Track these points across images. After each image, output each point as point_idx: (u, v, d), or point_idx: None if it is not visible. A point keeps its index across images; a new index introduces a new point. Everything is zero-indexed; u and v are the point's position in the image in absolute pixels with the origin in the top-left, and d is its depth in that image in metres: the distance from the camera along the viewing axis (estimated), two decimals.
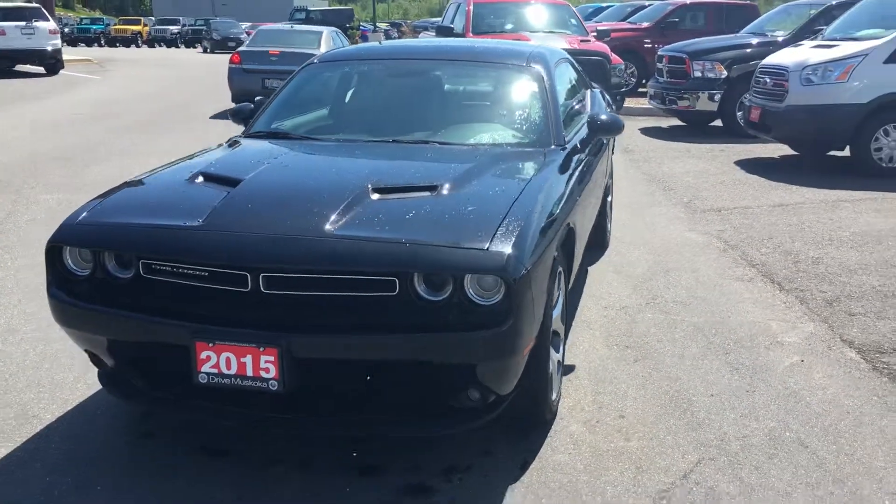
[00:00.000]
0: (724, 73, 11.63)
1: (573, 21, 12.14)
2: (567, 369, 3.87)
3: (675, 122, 12.99)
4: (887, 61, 8.33)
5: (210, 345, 2.77)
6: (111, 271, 3.02)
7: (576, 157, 4.00)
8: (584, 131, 4.39)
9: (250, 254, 2.78)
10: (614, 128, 4.28)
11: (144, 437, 3.33)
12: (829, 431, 3.37)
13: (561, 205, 3.39)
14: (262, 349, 2.73)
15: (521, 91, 4.29)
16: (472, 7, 11.65)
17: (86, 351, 3.23)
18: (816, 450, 3.22)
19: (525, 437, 3.30)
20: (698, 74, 11.79)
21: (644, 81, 15.78)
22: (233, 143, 4.06)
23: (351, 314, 2.78)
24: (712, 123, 12.32)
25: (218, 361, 2.78)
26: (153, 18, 58.66)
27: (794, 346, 4.24)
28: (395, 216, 2.97)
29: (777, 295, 5.02)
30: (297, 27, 17.59)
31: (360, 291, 2.77)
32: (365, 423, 2.91)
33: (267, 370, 2.75)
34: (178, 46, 50.12)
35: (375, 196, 3.10)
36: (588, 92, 5.34)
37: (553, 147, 3.91)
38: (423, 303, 2.77)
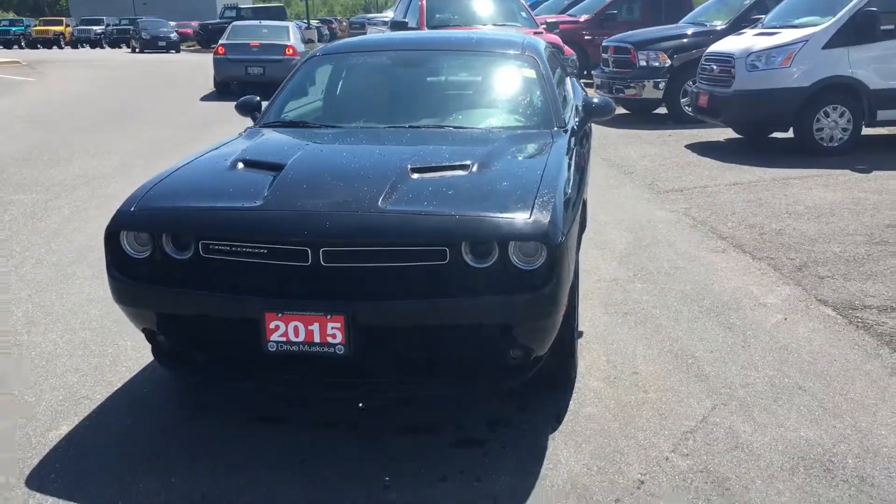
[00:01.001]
0: (668, 62, 12.14)
1: (523, 14, 12.51)
2: (577, 334, 4.17)
3: (621, 109, 13.43)
4: (825, 46, 8.89)
5: (279, 315, 2.98)
6: (169, 253, 3.19)
7: (576, 138, 4.30)
8: (576, 114, 4.70)
9: (312, 230, 3.00)
10: (607, 110, 4.60)
11: (199, 411, 3.52)
12: (822, 376, 3.75)
13: (574, 180, 3.69)
14: (329, 317, 2.96)
15: (523, 78, 4.58)
16: (425, 1, 11.91)
17: (143, 330, 3.39)
18: (815, 392, 3.60)
19: (553, 394, 3.60)
20: (643, 64, 12.27)
21: (585, 72, 16.25)
22: (253, 133, 4.25)
23: (405, 283, 3.02)
24: (656, 110, 12.82)
25: (286, 330, 2.99)
26: (73, 19, 57.08)
27: (775, 306, 4.64)
28: (438, 192, 3.22)
29: (751, 263, 5.43)
30: (266, 22, 19.38)
31: (414, 261, 3.01)
32: (424, 384, 3.17)
33: (334, 336, 2.98)
34: (102, 47, 49.00)
35: (416, 175, 3.35)
36: (568, 79, 5.66)
37: (556, 129, 4.21)
38: (470, 269, 3.01)
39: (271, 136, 4.19)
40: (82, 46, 48.52)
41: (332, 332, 2.97)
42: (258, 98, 4.81)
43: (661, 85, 12.15)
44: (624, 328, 4.36)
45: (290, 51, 16.99)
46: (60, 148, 10.53)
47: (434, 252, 3.00)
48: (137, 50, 39.65)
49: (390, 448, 3.20)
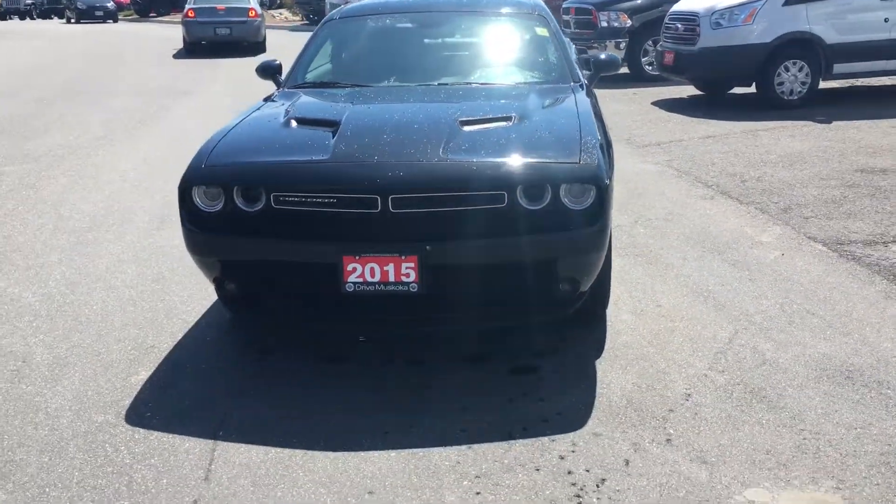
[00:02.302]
0: (629, 23, 12.51)
1: None
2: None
3: None
4: (786, 3, 9.34)
5: (356, 258, 3.24)
6: (240, 205, 3.41)
7: (589, 91, 4.60)
8: (583, 70, 4.99)
9: (382, 180, 3.25)
10: (613, 65, 4.91)
11: (265, 354, 3.77)
12: (826, 301, 4.16)
13: (601, 129, 3.99)
14: (403, 257, 3.23)
15: (538, 36, 4.85)
16: None
17: (213, 279, 3.60)
18: (823, 315, 4.00)
19: (589, 327, 3.92)
20: (605, 24, 12.63)
21: None
22: (290, 94, 4.44)
23: (467, 225, 3.29)
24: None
25: (363, 272, 3.26)
26: None
27: (771, 244, 5.04)
28: (491, 142, 3.50)
29: (740, 207, 5.83)
30: None
31: (475, 205, 3.29)
32: (487, 316, 3.47)
33: (407, 275, 3.25)
34: (33, 18, 47.59)
35: (466, 128, 3.61)
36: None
37: (573, 84, 4.51)
38: (526, 211, 3.30)
39: (310, 96, 4.40)
40: (11, 18, 47.02)
41: (407, 271, 3.25)
42: (278, 61, 5.00)
43: (623, 45, 12.52)
44: (638, 268, 4.71)
45: (253, 13, 19.16)
46: (32, 119, 10.47)
47: (494, 196, 3.28)
48: (73, 20, 38.57)
49: (453, 378, 3.49)
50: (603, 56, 4.94)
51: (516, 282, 3.45)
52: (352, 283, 3.28)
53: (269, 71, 4.95)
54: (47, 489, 2.77)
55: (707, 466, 2.81)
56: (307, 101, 4.28)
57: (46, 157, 8.16)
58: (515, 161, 3.34)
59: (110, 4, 38.52)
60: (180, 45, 20.64)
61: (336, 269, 3.27)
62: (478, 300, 3.47)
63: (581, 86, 4.51)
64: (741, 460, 2.84)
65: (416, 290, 3.27)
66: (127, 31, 29.96)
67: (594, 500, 2.65)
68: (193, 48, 19.40)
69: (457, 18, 5.04)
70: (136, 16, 40.50)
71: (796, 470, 2.78)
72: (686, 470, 2.79)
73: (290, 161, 3.45)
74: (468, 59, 4.79)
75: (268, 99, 4.48)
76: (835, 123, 8.59)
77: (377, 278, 3.26)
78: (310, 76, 4.77)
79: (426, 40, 4.95)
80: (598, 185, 3.29)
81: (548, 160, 3.35)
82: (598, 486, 2.72)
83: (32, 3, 48.57)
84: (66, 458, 2.95)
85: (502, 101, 4.11)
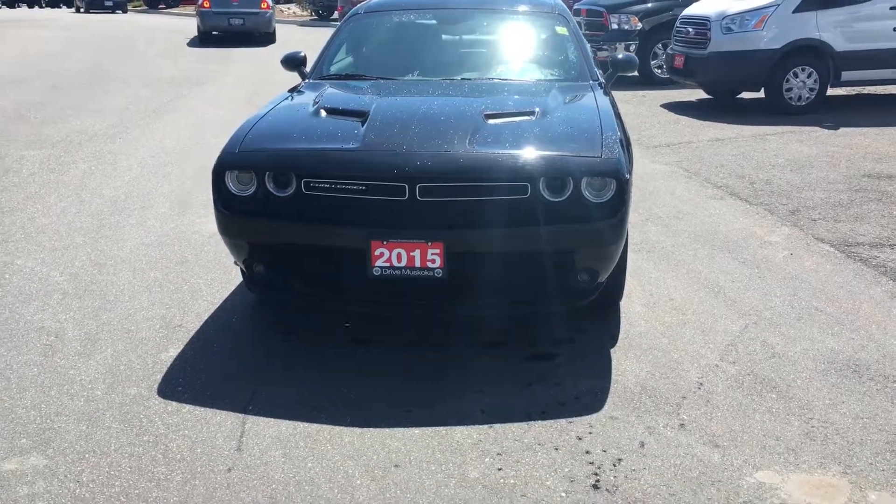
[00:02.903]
0: (639, 26, 12.62)
1: None
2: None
3: None
4: (796, 10, 9.45)
5: (384, 243, 3.36)
6: (271, 190, 3.53)
7: (607, 90, 4.72)
8: (600, 69, 5.11)
9: (410, 168, 3.37)
10: (631, 65, 5.02)
11: (290, 334, 3.89)
12: (833, 300, 4.28)
13: (620, 125, 4.11)
14: (429, 244, 3.35)
15: (558, 34, 4.97)
16: None
17: (242, 261, 3.72)
18: (830, 312, 4.12)
19: (603, 317, 4.05)
20: (615, 27, 12.74)
21: None
22: (317, 85, 4.56)
23: (492, 214, 3.41)
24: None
25: (390, 256, 3.37)
26: None
27: (780, 244, 5.16)
28: (515, 135, 3.61)
29: (749, 208, 5.95)
30: None
31: (499, 195, 3.41)
32: (510, 303, 3.59)
33: (433, 261, 3.37)
34: (41, 6, 47.72)
35: (490, 121, 3.73)
36: None
37: (591, 82, 4.63)
38: (547, 203, 3.42)
39: (337, 87, 4.52)
40: (19, 6, 47.16)
41: (432, 257, 3.37)
42: (303, 53, 5.10)
43: (633, 48, 12.61)
44: (650, 263, 4.83)
45: (265, 5, 20.10)
46: (48, 106, 10.57)
47: (517, 187, 3.40)
48: (82, 10, 38.62)
49: (474, 363, 3.61)
50: (621, 56, 5.05)
51: (537, 271, 3.57)
52: (379, 267, 3.39)
53: (293, 62, 5.05)
54: (86, 455, 2.89)
55: (719, 450, 2.93)
56: (335, 92, 4.39)
57: (64, 143, 8.28)
58: (539, 154, 3.45)
59: None
60: (191, 35, 20.89)
61: (364, 253, 3.39)
62: (499, 287, 3.59)
63: (599, 84, 4.63)
64: (752, 445, 2.96)
65: (440, 275, 3.39)
66: (136, 22, 30.03)
67: (611, 478, 2.77)
68: (206, 38, 20.17)
69: (478, 16, 5.16)
70: (144, 7, 40.57)
71: (805, 455, 2.90)
72: (699, 453, 2.91)
73: (321, 148, 3.57)
74: (490, 56, 4.91)
75: (294, 90, 4.60)
76: (842, 130, 8.71)
77: (403, 263, 3.38)
78: (334, 68, 4.89)
79: (449, 36, 5.07)
80: (619, 179, 3.41)
81: (570, 154, 3.47)
82: (614, 465, 2.84)
83: None
84: (103, 427, 3.07)
85: (525, 96, 4.23)
